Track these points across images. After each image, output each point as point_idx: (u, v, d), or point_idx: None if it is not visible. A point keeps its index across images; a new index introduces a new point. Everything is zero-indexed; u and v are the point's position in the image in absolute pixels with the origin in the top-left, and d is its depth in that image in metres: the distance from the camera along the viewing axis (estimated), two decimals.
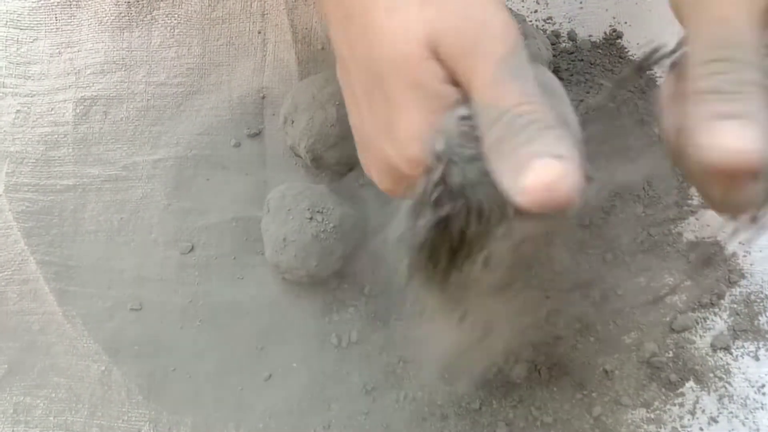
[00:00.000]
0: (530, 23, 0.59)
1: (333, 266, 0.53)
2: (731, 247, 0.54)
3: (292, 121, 0.54)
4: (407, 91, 0.28)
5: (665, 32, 0.58)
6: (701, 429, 0.50)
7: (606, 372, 0.52)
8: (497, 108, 0.26)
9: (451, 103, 0.28)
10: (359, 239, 0.54)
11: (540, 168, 0.24)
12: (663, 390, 0.51)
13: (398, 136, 0.30)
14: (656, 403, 0.51)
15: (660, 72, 0.58)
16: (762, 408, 0.51)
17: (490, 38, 0.27)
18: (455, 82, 0.28)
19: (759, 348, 0.52)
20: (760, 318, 0.53)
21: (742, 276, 0.54)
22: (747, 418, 0.50)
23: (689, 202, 0.55)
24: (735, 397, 0.51)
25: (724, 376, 0.52)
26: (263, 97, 0.59)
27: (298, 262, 0.51)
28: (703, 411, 0.51)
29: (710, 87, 0.26)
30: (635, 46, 0.58)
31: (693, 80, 0.26)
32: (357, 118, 0.35)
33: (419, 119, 0.28)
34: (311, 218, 0.51)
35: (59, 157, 0.59)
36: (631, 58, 0.58)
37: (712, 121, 0.25)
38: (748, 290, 0.53)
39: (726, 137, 0.24)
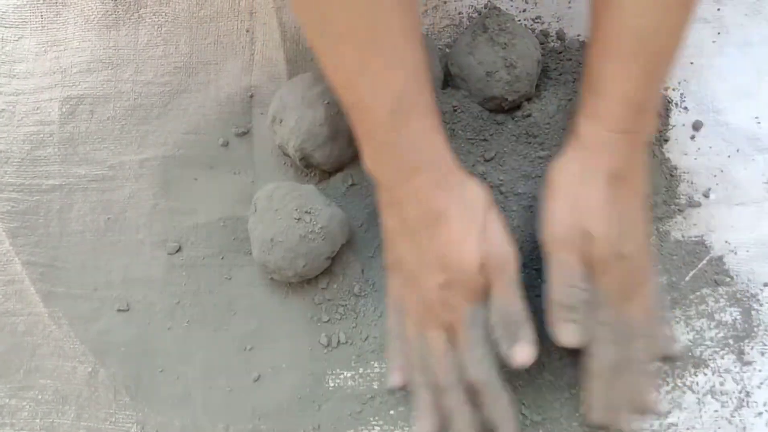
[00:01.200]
0: (519, 22, 0.59)
1: (321, 266, 0.53)
2: (717, 247, 0.55)
3: (281, 120, 0.54)
4: (462, 288, 0.46)
5: None
6: (688, 426, 0.50)
7: None
8: (499, 308, 0.46)
9: (480, 294, 0.46)
10: (347, 239, 0.54)
11: (520, 348, 0.45)
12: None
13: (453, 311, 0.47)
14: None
15: None
16: (747, 405, 0.51)
17: (507, 265, 0.46)
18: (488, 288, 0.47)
19: (744, 346, 0.52)
20: (744, 316, 0.53)
21: (728, 275, 0.54)
22: (733, 417, 0.51)
23: (677, 201, 0.56)
24: (721, 395, 0.51)
25: (709, 373, 0.52)
26: (251, 96, 0.59)
27: (286, 263, 0.51)
28: (687, 408, 0.51)
29: (560, 300, 0.46)
30: None
31: (551, 294, 0.47)
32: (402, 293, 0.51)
33: (467, 304, 0.46)
34: (299, 219, 0.50)
35: (45, 156, 0.58)
36: None
37: (558, 323, 0.46)
38: (734, 289, 0.54)
39: (565, 336, 0.46)
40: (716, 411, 0.51)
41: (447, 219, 0.46)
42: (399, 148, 0.45)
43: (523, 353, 0.45)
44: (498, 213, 0.47)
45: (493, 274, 0.46)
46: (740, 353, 0.52)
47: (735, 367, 0.52)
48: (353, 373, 0.53)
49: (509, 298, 0.46)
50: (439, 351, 0.47)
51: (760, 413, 0.51)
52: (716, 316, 0.53)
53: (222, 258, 0.56)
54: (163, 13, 0.61)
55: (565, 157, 0.48)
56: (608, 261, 0.46)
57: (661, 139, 0.57)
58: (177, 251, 0.56)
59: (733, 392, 0.52)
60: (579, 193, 0.47)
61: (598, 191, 0.46)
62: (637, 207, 0.48)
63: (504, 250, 0.46)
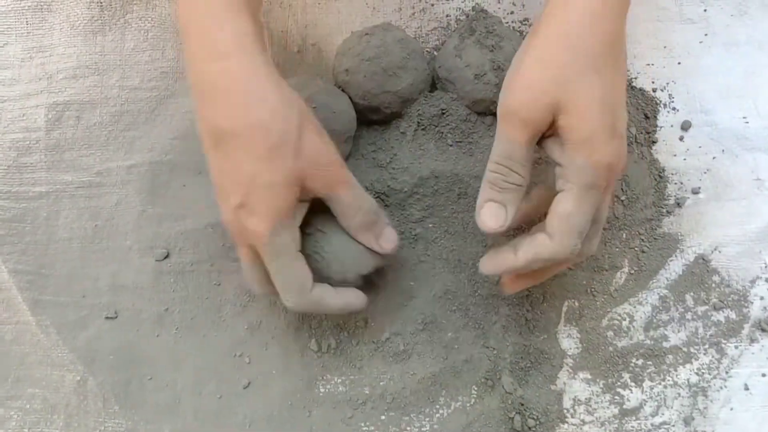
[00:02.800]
0: (506, 25, 0.59)
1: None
2: (706, 244, 0.55)
3: None
4: (283, 205, 0.44)
5: (639, 33, 0.59)
6: (676, 423, 0.50)
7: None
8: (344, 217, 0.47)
9: (292, 212, 0.44)
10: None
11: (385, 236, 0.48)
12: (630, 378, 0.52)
13: (253, 221, 0.44)
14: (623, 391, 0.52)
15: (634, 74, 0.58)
16: (736, 402, 0.51)
17: (336, 161, 0.45)
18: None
19: (733, 343, 0.53)
20: (733, 314, 0.53)
21: (717, 273, 0.54)
22: (722, 413, 0.51)
23: (665, 202, 0.56)
24: (709, 392, 0.52)
25: (697, 371, 0.52)
26: None
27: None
28: (675, 406, 0.51)
29: (491, 179, 0.43)
30: None
31: (487, 170, 0.44)
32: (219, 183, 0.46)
33: (267, 222, 0.43)
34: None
35: (31, 163, 0.58)
36: None
37: (483, 202, 0.44)
38: (723, 287, 0.54)
39: (484, 215, 0.44)
40: (705, 408, 0.51)
41: (239, 134, 0.42)
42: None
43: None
44: (316, 121, 0.45)
45: (325, 183, 0.44)
46: (728, 351, 0.53)
47: (723, 364, 0.52)
48: (344, 378, 0.53)
49: (354, 195, 0.45)
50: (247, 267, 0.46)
51: (748, 410, 0.51)
52: (705, 314, 0.53)
53: (211, 264, 0.55)
54: (150, 18, 0.60)
55: (545, 20, 0.42)
56: (597, 137, 0.41)
57: (650, 140, 0.57)
58: (165, 258, 0.55)
59: (721, 389, 0.52)
60: (558, 56, 0.41)
61: (587, 57, 0.41)
62: (623, 87, 0.43)
63: (328, 155, 0.44)
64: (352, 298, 0.48)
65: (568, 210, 0.41)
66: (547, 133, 0.43)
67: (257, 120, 0.42)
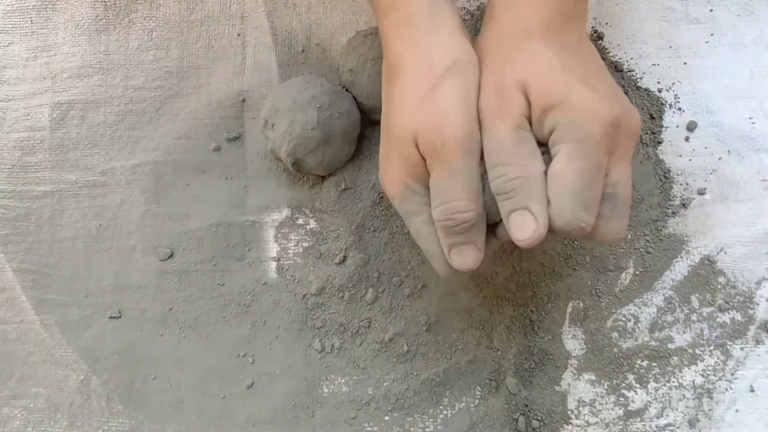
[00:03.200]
0: None
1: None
2: (712, 245, 0.54)
3: (273, 125, 0.54)
4: (398, 155, 0.41)
5: (645, 33, 0.58)
6: (681, 425, 0.50)
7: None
8: (437, 196, 0.40)
9: (419, 172, 0.41)
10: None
11: (456, 254, 0.40)
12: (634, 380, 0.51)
13: (385, 176, 0.43)
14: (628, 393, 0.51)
15: (640, 74, 0.58)
16: (742, 404, 0.51)
17: (446, 142, 0.38)
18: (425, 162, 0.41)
19: (738, 345, 0.52)
20: (738, 315, 0.53)
21: (723, 274, 0.54)
22: (727, 415, 0.50)
23: (671, 203, 0.55)
24: (714, 394, 0.51)
25: (703, 372, 0.52)
26: (243, 101, 0.59)
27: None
28: (680, 407, 0.51)
29: (498, 189, 0.38)
30: (616, 46, 0.58)
31: (490, 184, 0.39)
32: (382, 143, 0.45)
33: (398, 172, 0.42)
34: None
35: (36, 162, 0.58)
36: (612, 59, 0.58)
37: (508, 217, 0.38)
38: (729, 288, 0.54)
39: (514, 231, 0.38)
40: (710, 410, 0.51)
41: (400, 73, 0.41)
42: None
43: (462, 259, 0.39)
44: (465, 82, 0.40)
45: (426, 151, 0.39)
46: (734, 352, 0.52)
47: (729, 366, 0.52)
48: (347, 378, 0.53)
49: (445, 183, 0.39)
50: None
51: (753, 412, 0.51)
52: (710, 316, 0.53)
53: (214, 264, 0.55)
54: (154, 18, 0.60)
55: (485, 27, 0.43)
56: (570, 93, 0.37)
57: (655, 141, 0.56)
58: (169, 257, 0.55)
59: (727, 391, 0.51)
60: (511, 48, 0.40)
61: (536, 42, 0.39)
62: (589, 54, 0.41)
63: (444, 123, 0.38)
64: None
65: (560, 168, 0.37)
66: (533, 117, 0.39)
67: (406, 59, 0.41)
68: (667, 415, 0.51)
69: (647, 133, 0.56)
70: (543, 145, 0.39)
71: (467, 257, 0.39)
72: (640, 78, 0.58)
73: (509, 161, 0.38)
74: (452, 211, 0.38)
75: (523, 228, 0.37)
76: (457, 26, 0.42)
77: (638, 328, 0.53)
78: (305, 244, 0.55)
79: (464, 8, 0.59)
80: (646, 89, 0.57)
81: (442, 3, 0.42)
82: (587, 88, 0.37)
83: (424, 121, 0.39)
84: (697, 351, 0.52)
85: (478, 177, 0.39)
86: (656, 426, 0.51)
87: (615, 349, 0.53)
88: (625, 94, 0.57)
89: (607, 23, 0.59)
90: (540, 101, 0.38)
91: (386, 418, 0.52)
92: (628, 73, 0.58)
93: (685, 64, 0.58)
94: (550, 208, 0.37)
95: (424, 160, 0.40)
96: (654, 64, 0.58)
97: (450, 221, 0.39)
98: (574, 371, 0.53)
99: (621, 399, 0.52)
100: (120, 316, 0.55)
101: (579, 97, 0.37)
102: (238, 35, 0.60)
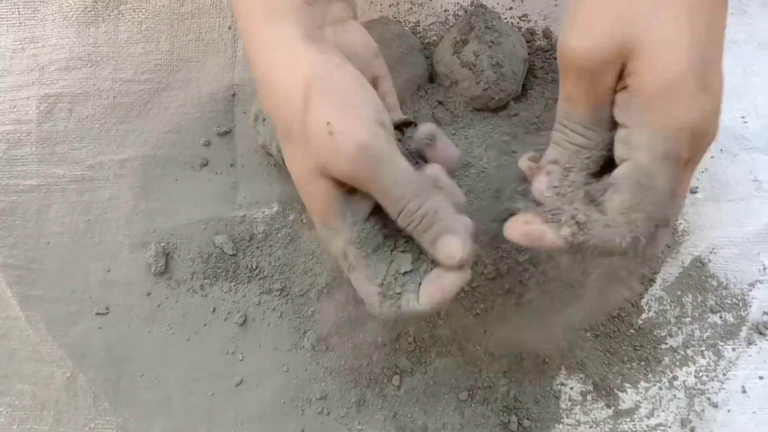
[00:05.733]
0: (505, 20, 0.58)
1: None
2: (704, 245, 0.54)
3: (264, 119, 0.53)
4: (325, 202, 0.36)
5: None
6: (672, 425, 0.50)
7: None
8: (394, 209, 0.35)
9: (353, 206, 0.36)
10: None
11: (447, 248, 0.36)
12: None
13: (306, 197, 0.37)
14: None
15: None
16: (733, 405, 0.51)
17: (350, 152, 0.33)
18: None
19: (730, 346, 0.52)
20: (730, 316, 0.53)
21: (714, 275, 0.54)
22: (719, 416, 0.50)
23: None
24: (706, 394, 0.51)
25: (694, 373, 0.52)
26: (234, 95, 0.58)
27: None
28: (672, 408, 0.51)
29: (554, 138, 0.37)
30: None
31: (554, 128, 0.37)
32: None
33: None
34: None
35: (22, 156, 0.57)
36: None
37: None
38: (721, 289, 0.54)
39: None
40: (702, 410, 0.51)
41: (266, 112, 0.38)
42: None
43: (453, 249, 0.34)
44: (331, 91, 0.34)
45: (347, 174, 0.35)
46: (725, 353, 0.52)
47: (720, 366, 0.52)
48: (338, 377, 0.52)
49: (395, 194, 0.35)
50: None
51: (744, 412, 0.51)
52: (702, 316, 0.53)
53: (204, 260, 0.54)
54: (144, 10, 0.59)
55: None
56: (680, 87, 0.31)
57: None
58: (157, 253, 0.54)
59: (718, 392, 0.51)
60: None
61: None
62: (722, 33, 0.33)
63: (341, 143, 0.33)
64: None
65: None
66: (618, 87, 0.33)
67: (271, 108, 0.36)
68: (658, 415, 0.51)
69: None
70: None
71: (453, 246, 0.34)
72: None
73: (576, 129, 0.36)
74: (413, 211, 0.35)
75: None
76: (304, 36, 0.35)
77: (630, 328, 0.53)
78: (296, 241, 0.55)
79: (458, 3, 0.59)
80: None
81: (283, 9, 0.36)
82: (699, 88, 0.31)
83: (320, 152, 0.34)
84: (689, 352, 0.52)
85: (410, 168, 0.35)
86: (647, 426, 0.51)
87: (606, 349, 0.53)
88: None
89: None
90: (638, 83, 0.32)
91: (376, 416, 0.51)
92: None
93: None
94: (606, 227, 0.34)
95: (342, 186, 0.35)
96: None
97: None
98: (566, 371, 0.52)
99: (611, 399, 0.52)
100: (107, 313, 0.54)
101: (686, 99, 0.31)
102: (229, 28, 0.59)
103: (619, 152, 0.34)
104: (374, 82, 0.39)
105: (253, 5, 0.36)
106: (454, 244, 0.34)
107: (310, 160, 0.34)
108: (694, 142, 0.32)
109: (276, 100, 0.35)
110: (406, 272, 0.37)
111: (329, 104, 0.34)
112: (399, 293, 0.36)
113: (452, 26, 0.57)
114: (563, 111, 0.36)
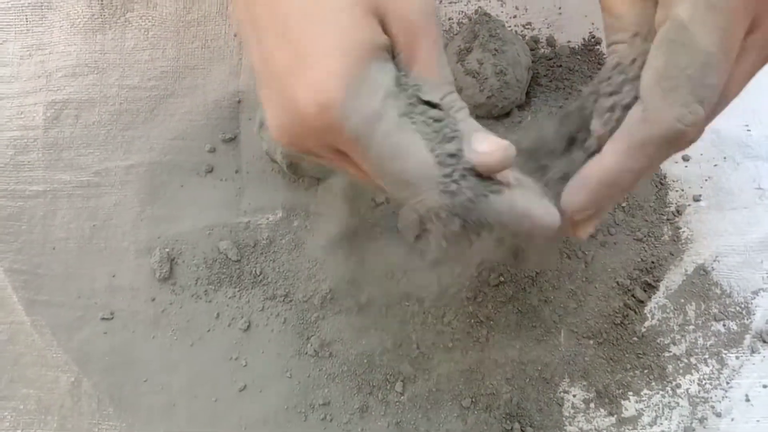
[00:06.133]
0: (509, 29, 0.58)
1: None
2: (707, 254, 0.54)
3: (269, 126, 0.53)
4: (331, 34, 0.26)
5: None
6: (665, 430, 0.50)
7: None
8: (441, 88, 0.30)
9: (380, 54, 0.27)
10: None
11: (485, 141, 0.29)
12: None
13: (313, 76, 0.26)
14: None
15: None
16: (737, 413, 0.51)
17: (435, 24, 0.29)
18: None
19: (733, 354, 0.52)
20: (734, 325, 0.53)
21: (718, 283, 0.54)
22: (722, 425, 0.50)
23: (666, 209, 0.55)
24: (710, 403, 0.51)
25: (698, 382, 0.52)
26: (239, 101, 0.58)
27: None
28: (675, 417, 0.51)
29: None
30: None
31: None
32: (261, 52, 0.29)
33: (341, 63, 0.26)
34: None
35: (29, 161, 0.57)
36: (597, 53, 0.58)
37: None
38: (725, 297, 0.54)
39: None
40: (705, 418, 0.51)
41: None
42: None
43: (493, 146, 0.30)
44: None
45: (412, 31, 0.29)
46: (729, 361, 0.52)
47: (724, 375, 0.52)
48: (341, 384, 0.52)
49: (442, 76, 0.31)
50: None
51: (748, 421, 0.51)
52: (705, 324, 0.53)
53: (208, 266, 0.55)
54: (150, 17, 0.60)
55: None
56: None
57: None
58: (163, 259, 0.55)
59: (722, 400, 0.51)
60: None
61: None
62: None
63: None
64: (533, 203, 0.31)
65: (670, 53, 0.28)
66: None
67: None
68: (661, 424, 0.51)
69: None
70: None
71: (493, 144, 0.29)
72: None
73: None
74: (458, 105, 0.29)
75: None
76: None
77: (633, 336, 0.53)
78: (300, 247, 0.55)
79: (462, 11, 0.59)
80: None
81: None
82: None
83: None
84: (692, 360, 0.52)
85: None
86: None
87: (609, 357, 0.53)
88: None
89: None
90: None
91: (379, 423, 0.51)
92: None
93: None
94: (652, 110, 0.29)
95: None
96: None
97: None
98: (568, 378, 0.52)
99: (615, 407, 0.52)
100: (112, 318, 0.54)
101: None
102: (235, 36, 0.60)
103: (659, 19, 0.29)
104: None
105: None
106: (491, 143, 0.30)
107: None
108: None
109: None
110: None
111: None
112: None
113: (456, 34, 0.58)
114: (609, 27, 0.32)
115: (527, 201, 0.30)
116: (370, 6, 0.27)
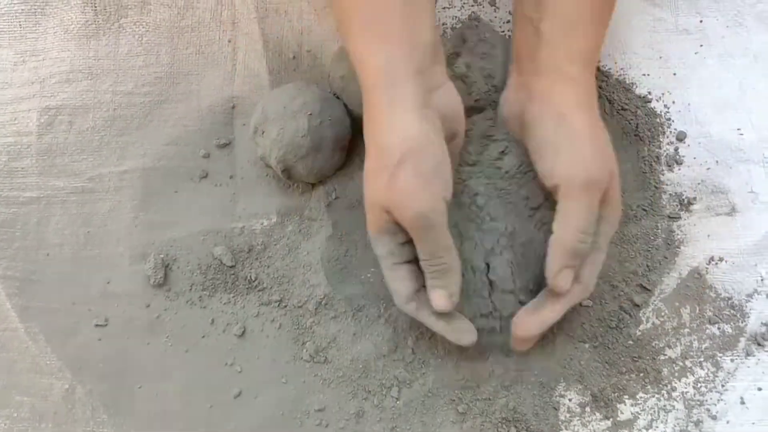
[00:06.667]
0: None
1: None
2: (701, 257, 0.55)
3: (263, 132, 0.53)
4: (370, 210, 0.47)
5: (636, 43, 0.59)
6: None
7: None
8: (420, 251, 0.46)
9: (392, 228, 0.46)
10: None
11: (438, 298, 0.47)
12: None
13: (369, 218, 0.47)
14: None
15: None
16: (732, 416, 0.51)
17: (415, 224, 0.44)
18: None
19: (728, 357, 0.52)
20: (728, 328, 0.53)
21: (712, 286, 0.54)
22: (717, 427, 0.50)
23: (661, 212, 0.56)
24: (705, 406, 0.51)
25: (693, 385, 0.52)
26: (233, 107, 0.58)
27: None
28: (671, 420, 0.51)
29: (577, 250, 0.46)
30: (607, 56, 0.59)
31: (570, 241, 0.46)
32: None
33: (372, 220, 0.47)
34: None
35: (22, 168, 0.57)
36: (602, 68, 0.58)
37: (561, 269, 0.47)
38: (719, 301, 0.54)
39: (562, 281, 0.47)
40: (700, 421, 0.51)
41: (366, 150, 0.46)
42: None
43: (440, 301, 0.46)
44: (420, 167, 0.44)
45: (400, 223, 0.45)
46: (724, 364, 0.52)
47: (719, 378, 0.52)
48: (336, 389, 0.52)
49: (422, 245, 0.45)
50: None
51: (743, 424, 0.51)
52: (700, 327, 0.53)
53: (203, 272, 0.55)
54: (144, 23, 0.60)
55: (556, 90, 0.47)
56: (616, 196, 0.47)
57: (653, 156, 0.56)
58: (157, 265, 0.55)
59: (717, 403, 0.51)
60: (595, 130, 0.47)
61: (599, 126, 0.47)
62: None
63: (407, 205, 0.44)
64: (456, 328, 0.48)
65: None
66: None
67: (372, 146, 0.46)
68: (657, 427, 0.51)
69: (644, 143, 0.56)
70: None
71: (441, 299, 0.46)
72: (635, 85, 0.58)
73: (590, 231, 0.46)
74: (433, 263, 0.46)
75: (569, 280, 0.46)
76: (415, 105, 0.44)
77: (628, 340, 0.53)
78: (294, 252, 0.55)
79: (455, 17, 0.59)
80: (642, 97, 0.58)
81: (402, 77, 0.44)
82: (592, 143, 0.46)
83: (390, 201, 0.44)
84: (688, 363, 0.52)
85: (448, 236, 0.45)
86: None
87: (605, 361, 0.53)
88: (622, 101, 0.57)
89: None
90: (611, 195, 0.47)
91: (375, 428, 0.51)
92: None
93: (674, 74, 0.58)
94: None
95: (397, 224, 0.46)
96: (644, 74, 0.58)
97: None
98: (564, 382, 0.52)
99: (610, 410, 0.52)
100: (106, 325, 0.54)
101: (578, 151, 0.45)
102: (229, 41, 0.60)
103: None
104: (452, 137, 0.48)
105: (377, 67, 0.45)
106: (440, 297, 0.46)
107: (383, 196, 0.44)
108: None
109: (379, 148, 0.45)
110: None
111: (414, 172, 0.43)
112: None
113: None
114: (590, 221, 0.46)
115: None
116: (381, 207, 0.45)
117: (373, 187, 0.45)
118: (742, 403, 0.52)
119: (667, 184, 0.56)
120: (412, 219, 0.44)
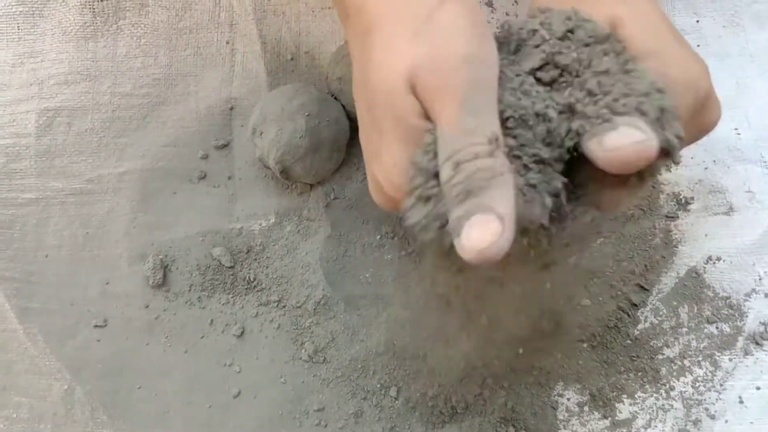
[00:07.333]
0: None
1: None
2: (698, 257, 0.55)
3: (261, 133, 0.53)
4: (391, 123, 0.31)
5: None
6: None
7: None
8: (452, 145, 0.28)
9: (424, 135, 0.30)
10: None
11: (476, 233, 0.27)
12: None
13: (383, 163, 0.32)
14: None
15: None
16: (731, 416, 0.51)
17: (457, 75, 0.29)
18: (429, 116, 0.30)
19: (727, 357, 0.52)
20: (727, 327, 0.53)
21: (710, 286, 0.54)
22: (716, 427, 0.51)
23: (658, 212, 0.56)
24: (704, 405, 0.51)
25: (692, 385, 0.52)
26: (231, 108, 0.58)
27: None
28: (669, 420, 0.51)
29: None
30: None
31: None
32: (361, 136, 0.36)
33: (399, 150, 0.31)
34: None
35: (21, 169, 0.57)
36: None
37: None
38: (717, 300, 0.54)
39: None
40: (699, 421, 0.51)
41: (377, 28, 0.32)
42: None
43: (478, 236, 0.27)
44: (468, 6, 0.30)
45: (433, 88, 0.29)
46: (722, 363, 0.52)
47: (717, 377, 0.52)
48: (336, 389, 0.52)
49: (457, 125, 0.28)
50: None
51: (742, 423, 0.51)
52: (698, 327, 0.53)
53: (201, 272, 0.55)
54: (142, 25, 0.60)
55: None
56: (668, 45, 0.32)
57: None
58: (156, 265, 0.55)
59: (716, 402, 0.52)
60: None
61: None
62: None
63: (453, 45, 0.29)
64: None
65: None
66: None
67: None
68: (655, 426, 0.51)
69: None
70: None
71: (484, 232, 0.26)
72: None
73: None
74: (465, 158, 0.27)
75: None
76: None
77: (626, 339, 0.53)
78: (292, 252, 0.55)
79: None
80: None
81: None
82: (682, 46, 0.31)
83: (424, 50, 0.29)
84: (686, 362, 0.53)
85: (497, 117, 0.29)
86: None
87: (603, 360, 0.53)
88: None
89: None
90: (632, 44, 0.31)
91: (374, 428, 0.51)
92: None
93: None
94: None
95: (427, 119, 0.30)
96: None
97: (461, 175, 0.27)
98: (563, 382, 0.52)
99: (609, 410, 0.52)
100: (105, 325, 0.54)
101: (676, 54, 0.31)
102: (227, 43, 0.60)
103: None
104: None
105: None
106: (481, 231, 0.27)
107: (412, 53, 0.29)
108: (697, 109, 0.33)
109: (399, 4, 0.31)
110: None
111: (464, 8, 0.30)
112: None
113: None
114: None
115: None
116: (409, 84, 0.30)
117: (391, 56, 0.30)
118: (741, 402, 0.52)
119: (664, 184, 0.56)
120: (458, 67, 0.28)
